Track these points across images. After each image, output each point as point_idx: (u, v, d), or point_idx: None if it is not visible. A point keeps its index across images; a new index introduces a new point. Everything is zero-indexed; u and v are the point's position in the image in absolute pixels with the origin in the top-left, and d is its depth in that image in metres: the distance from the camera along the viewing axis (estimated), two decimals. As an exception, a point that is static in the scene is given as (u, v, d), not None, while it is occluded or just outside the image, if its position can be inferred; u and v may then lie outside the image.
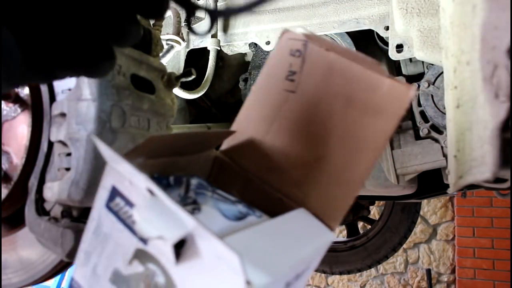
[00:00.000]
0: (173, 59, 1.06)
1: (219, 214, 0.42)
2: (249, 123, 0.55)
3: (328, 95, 0.51)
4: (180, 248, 0.33)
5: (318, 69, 0.51)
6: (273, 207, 0.51)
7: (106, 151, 0.36)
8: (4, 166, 0.67)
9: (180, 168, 0.49)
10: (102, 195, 0.40)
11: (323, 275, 3.75)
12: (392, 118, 0.48)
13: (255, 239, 0.38)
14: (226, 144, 0.56)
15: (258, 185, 0.53)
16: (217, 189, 0.48)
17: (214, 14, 0.56)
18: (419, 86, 0.98)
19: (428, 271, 3.39)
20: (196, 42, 1.11)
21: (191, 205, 0.42)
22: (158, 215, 0.33)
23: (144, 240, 0.35)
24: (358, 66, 0.50)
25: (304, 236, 0.46)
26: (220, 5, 1.09)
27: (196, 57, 1.16)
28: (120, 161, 0.35)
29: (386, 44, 0.96)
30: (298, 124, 0.53)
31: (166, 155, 0.46)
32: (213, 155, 0.55)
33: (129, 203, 0.37)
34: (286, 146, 0.53)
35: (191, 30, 1.06)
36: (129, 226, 0.37)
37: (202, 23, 1.09)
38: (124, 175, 0.37)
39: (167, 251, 0.33)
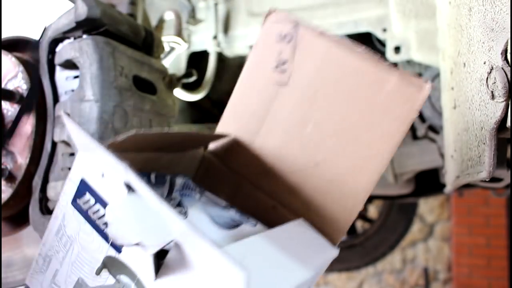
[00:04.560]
0: (174, 61, 1.07)
1: (208, 220, 0.37)
2: (237, 120, 0.48)
3: (326, 88, 0.43)
4: (162, 258, 0.27)
5: (312, 58, 0.43)
6: (266, 215, 0.45)
7: (77, 134, 0.29)
8: (9, 165, 0.67)
9: (163, 166, 0.43)
10: (68, 189, 0.33)
11: (321, 274, 3.76)
12: (402, 121, 0.40)
13: (252, 254, 0.32)
14: (214, 143, 0.50)
15: (249, 190, 0.47)
16: (206, 192, 0.42)
17: None
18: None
19: (425, 269, 3.41)
20: (197, 44, 1.12)
21: (176, 208, 0.36)
22: (136, 216, 0.26)
23: (117, 247, 0.29)
24: (359, 57, 0.42)
25: (306, 254, 0.39)
26: (221, 6, 1.10)
27: (198, 59, 1.17)
28: (94, 148, 0.28)
29: (384, 46, 0.97)
30: (292, 123, 0.45)
31: (148, 150, 0.40)
32: (200, 155, 0.49)
33: (101, 201, 0.30)
34: (279, 148, 0.46)
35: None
36: (99, 228, 0.30)
37: (202, 24, 1.10)
38: (97, 165, 0.30)
39: (146, 262, 0.26)
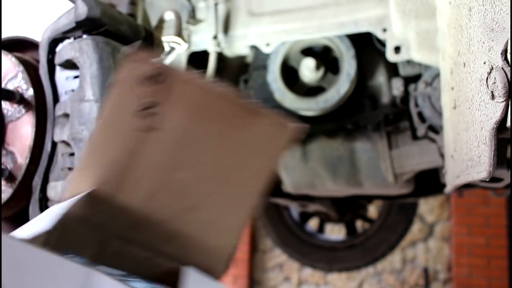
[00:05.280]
0: (174, 61, 1.07)
1: None
2: (96, 172, 0.43)
3: (198, 133, 0.42)
4: None
5: (184, 102, 0.42)
6: (141, 268, 0.43)
7: None
8: (9, 165, 0.67)
9: None
10: None
11: (322, 272, 3.77)
12: (270, 159, 0.43)
13: None
14: (70, 196, 0.44)
15: (119, 246, 0.44)
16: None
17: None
18: (416, 87, 1.00)
19: (425, 269, 3.42)
20: (197, 44, 1.12)
21: None
22: None
23: None
24: (229, 101, 0.42)
25: None
26: (221, 6, 1.10)
27: (197, 59, 1.17)
28: None
29: (384, 46, 0.97)
30: (163, 169, 0.43)
31: None
32: None
33: None
34: (150, 197, 0.43)
35: None
36: None
37: (202, 24, 1.10)
38: None
39: None
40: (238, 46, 1.10)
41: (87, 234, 0.43)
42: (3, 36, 0.75)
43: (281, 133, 0.42)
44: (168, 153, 0.43)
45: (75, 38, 0.66)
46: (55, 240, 0.40)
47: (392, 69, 1.05)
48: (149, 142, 0.42)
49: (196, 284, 0.41)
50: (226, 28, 1.09)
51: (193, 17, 1.10)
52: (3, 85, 0.69)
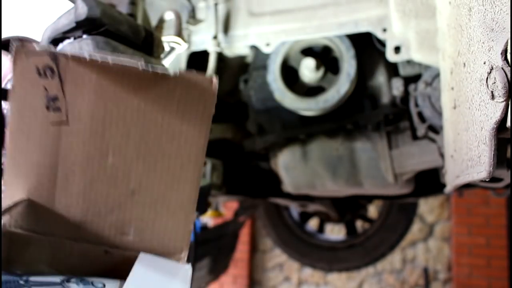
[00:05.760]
0: (174, 61, 1.07)
1: None
2: (24, 178, 0.41)
3: (111, 115, 0.40)
4: None
5: (85, 88, 0.39)
6: (99, 263, 0.43)
7: None
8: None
9: None
10: None
11: (322, 272, 3.77)
12: (198, 119, 0.40)
13: None
14: (7, 216, 0.41)
15: (71, 247, 0.43)
16: (30, 276, 0.37)
17: None
18: (416, 87, 1.00)
19: (425, 269, 3.42)
20: (197, 44, 1.12)
21: None
22: None
23: None
24: (130, 70, 0.39)
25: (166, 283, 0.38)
26: (221, 6, 1.10)
27: (197, 59, 1.17)
28: None
29: (384, 46, 0.97)
30: (90, 161, 0.41)
31: None
32: None
33: None
34: (87, 191, 0.42)
35: None
36: None
37: (202, 24, 1.10)
38: None
39: None
40: (238, 46, 1.10)
41: (36, 241, 0.42)
42: (3, 36, 0.75)
43: (199, 90, 0.40)
44: (88, 143, 0.41)
45: (75, 38, 0.66)
46: (8, 251, 0.40)
47: (392, 69, 1.05)
48: (64, 136, 0.40)
49: (147, 267, 0.40)
50: (226, 28, 1.09)
51: (193, 17, 1.10)
52: (3, 85, 0.69)
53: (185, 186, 0.42)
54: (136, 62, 0.39)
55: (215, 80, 0.40)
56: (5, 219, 0.41)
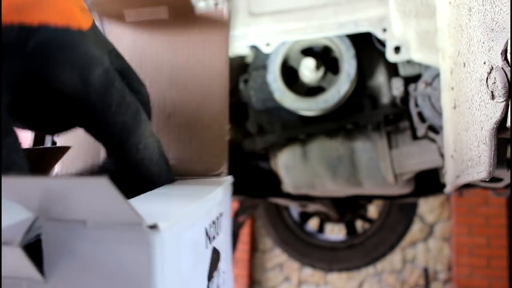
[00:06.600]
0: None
1: None
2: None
3: (146, 56, 0.48)
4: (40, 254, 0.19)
5: (124, 37, 0.48)
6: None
7: None
8: (9, 166, 0.67)
9: None
10: None
11: (322, 272, 3.77)
12: (220, 42, 0.47)
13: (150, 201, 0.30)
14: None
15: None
16: None
17: None
18: (416, 87, 1.00)
19: (425, 269, 3.42)
20: None
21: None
22: None
23: None
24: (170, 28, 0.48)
25: (198, 191, 0.38)
26: (221, 6, 1.10)
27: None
28: None
29: (384, 46, 0.97)
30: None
31: None
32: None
33: None
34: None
35: None
36: None
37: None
38: None
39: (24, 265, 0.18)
40: (238, 46, 1.10)
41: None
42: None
43: (213, 20, 0.47)
44: None
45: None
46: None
47: (392, 69, 1.05)
48: None
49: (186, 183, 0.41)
50: (226, 28, 1.09)
51: (193, 17, 1.10)
52: (3, 85, 0.69)
53: (215, 99, 0.46)
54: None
55: (225, 11, 0.48)
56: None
